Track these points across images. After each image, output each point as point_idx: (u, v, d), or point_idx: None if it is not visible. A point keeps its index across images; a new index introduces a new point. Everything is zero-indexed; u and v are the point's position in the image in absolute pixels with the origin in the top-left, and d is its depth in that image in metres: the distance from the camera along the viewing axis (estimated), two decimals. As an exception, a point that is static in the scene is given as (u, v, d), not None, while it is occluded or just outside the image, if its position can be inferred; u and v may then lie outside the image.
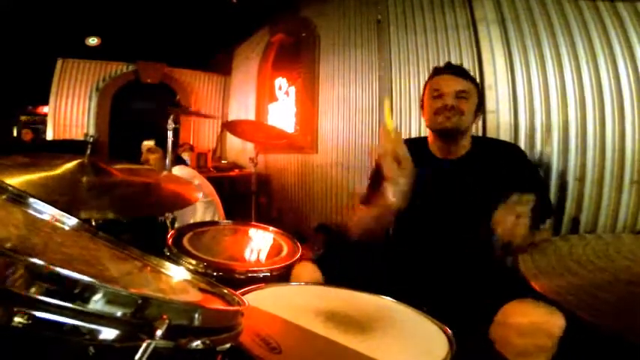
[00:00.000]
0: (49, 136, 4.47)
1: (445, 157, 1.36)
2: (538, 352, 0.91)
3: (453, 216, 1.29)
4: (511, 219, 0.96)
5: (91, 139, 1.32)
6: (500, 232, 0.98)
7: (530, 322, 0.92)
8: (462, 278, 1.19)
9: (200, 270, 1.30)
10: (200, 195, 1.35)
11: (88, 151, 1.25)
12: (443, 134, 1.32)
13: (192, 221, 2.30)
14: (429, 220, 1.32)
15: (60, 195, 1.02)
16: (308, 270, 1.28)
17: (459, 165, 1.33)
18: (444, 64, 1.38)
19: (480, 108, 1.34)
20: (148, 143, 2.67)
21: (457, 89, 1.27)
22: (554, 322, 0.90)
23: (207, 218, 2.45)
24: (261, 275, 1.33)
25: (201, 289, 0.80)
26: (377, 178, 1.48)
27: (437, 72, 1.35)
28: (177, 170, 2.49)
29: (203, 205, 2.45)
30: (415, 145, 1.39)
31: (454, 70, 1.33)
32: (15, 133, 5.87)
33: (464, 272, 1.20)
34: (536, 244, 0.78)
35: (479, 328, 1.00)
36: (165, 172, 2.20)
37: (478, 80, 1.98)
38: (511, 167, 1.26)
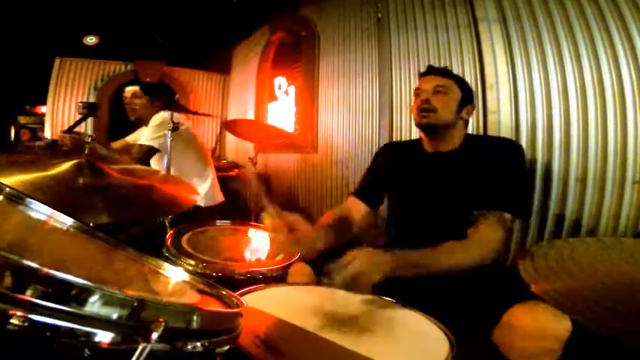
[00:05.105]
0: (47, 136, 4.45)
1: (435, 151, 1.43)
2: (544, 355, 0.90)
3: (440, 209, 1.34)
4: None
5: (89, 140, 1.31)
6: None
7: (536, 326, 0.91)
8: (456, 278, 1.17)
9: (199, 271, 1.30)
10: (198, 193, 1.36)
11: (86, 151, 1.24)
12: (424, 130, 1.42)
13: (185, 165, 2.41)
14: (419, 212, 1.41)
15: (57, 196, 1.01)
16: (301, 271, 1.28)
17: (448, 158, 1.39)
18: (426, 68, 1.47)
19: (467, 102, 1.40)
20: (132, 88, 2.49)
21: (434, 85, 1.36)
22: (561, 325, 0.89)
23: (198, 167, 2.56)
24: (261, 276, 1.33)
25: (200, 291, 0.79)
26: (373, 173, 1.52)
27: (420, 76, 1.46)
28: (163, 114, 2.34)
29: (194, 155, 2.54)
30: (408, 146, 1.58)
31: (435, 70, 1.43)
32: (13, 133, 5.84)
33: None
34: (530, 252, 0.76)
35: (480, 330, 0.99)
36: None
37: (479, 80, 1.99)
38: (493, 162, 1.29)
